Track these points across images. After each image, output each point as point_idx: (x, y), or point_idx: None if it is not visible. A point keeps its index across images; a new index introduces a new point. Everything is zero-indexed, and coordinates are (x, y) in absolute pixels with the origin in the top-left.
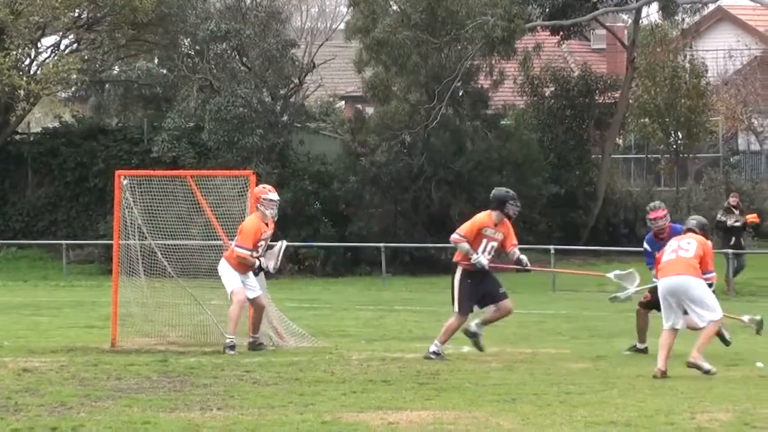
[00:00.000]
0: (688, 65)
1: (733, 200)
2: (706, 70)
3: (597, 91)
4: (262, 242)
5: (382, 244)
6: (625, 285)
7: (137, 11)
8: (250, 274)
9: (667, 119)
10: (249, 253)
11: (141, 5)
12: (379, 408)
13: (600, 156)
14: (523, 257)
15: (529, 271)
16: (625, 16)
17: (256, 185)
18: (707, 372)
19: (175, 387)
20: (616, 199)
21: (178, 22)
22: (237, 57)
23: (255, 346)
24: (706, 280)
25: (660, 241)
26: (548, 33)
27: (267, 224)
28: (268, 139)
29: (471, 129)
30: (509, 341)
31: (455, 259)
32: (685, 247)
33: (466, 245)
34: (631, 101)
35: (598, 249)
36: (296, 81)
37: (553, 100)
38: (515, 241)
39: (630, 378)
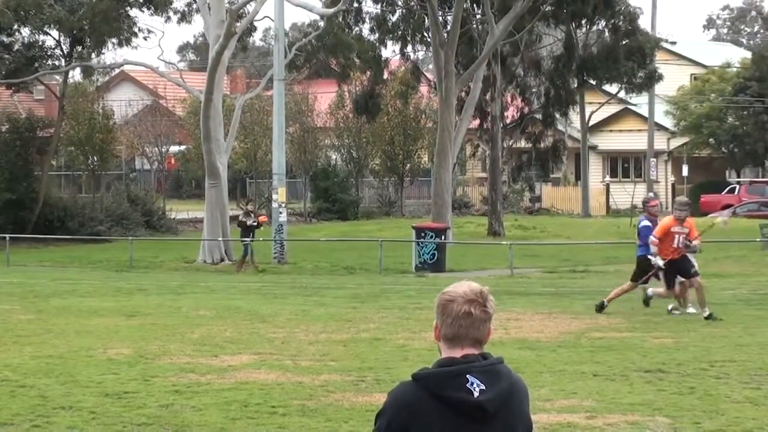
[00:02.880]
0: (101, 110)
1: (250, 207)
2: (113, 114)
3: (38, 129)
4: None
5: None
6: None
7: None
8: None
9: (87, 147)
10: None
11: None
12: None
13: (41, 173)
14: (694, 243)
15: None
16: (57, 77)
17: None
18: None
19: None
20: (52, 202)
21: None
22: None
23: None
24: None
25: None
26: (4, 88)
27: None
28: None
29: None
30: None
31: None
32: None
33: (654, 248)
34: (61, 135)
35: (39, 237)
36: None
37: (7, 135)
38: (696, 234)
39: (63, 324)
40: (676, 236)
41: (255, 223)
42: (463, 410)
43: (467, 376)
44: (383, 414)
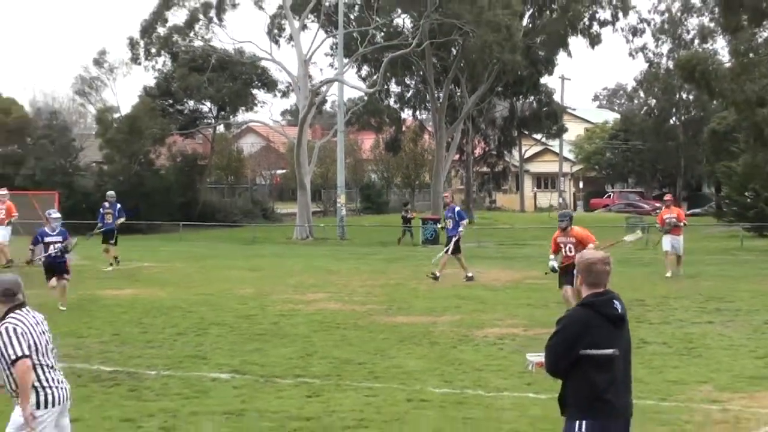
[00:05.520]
0: (235, 149)
1: (408, 207)
2: (243, 151)
3: (198, 160)
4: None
5: None
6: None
7: None
8: None
9: (227, 171)
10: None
11: None
12: None
13: (200, 186)
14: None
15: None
16: (210, 130)
17: None
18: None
19: None
20: (207, 203)
21: None
22: None
23: None
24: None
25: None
26: (179, 136)
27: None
28: None
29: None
30: None
31: None
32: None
33: (552, 255)
34: (212, 164)
35: (200, 224)
36: None
37: (181, 164)
38: (588, 242)
39: (213, 275)
40: (563, 245)
41: (410, 216)
42: (613, 320)
43: (613, 300)
44: (561, 331)
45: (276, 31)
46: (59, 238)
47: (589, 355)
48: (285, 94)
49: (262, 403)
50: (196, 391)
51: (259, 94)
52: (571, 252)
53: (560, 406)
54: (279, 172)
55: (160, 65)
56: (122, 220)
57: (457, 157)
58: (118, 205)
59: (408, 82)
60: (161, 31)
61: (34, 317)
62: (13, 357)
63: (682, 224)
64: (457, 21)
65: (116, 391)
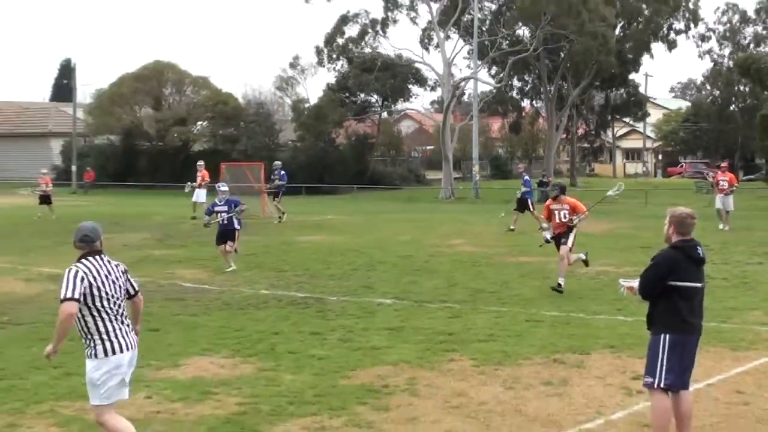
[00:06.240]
0: (396, 131)
1: (546, 178)
2: (401, 132)
3: (368, 139)
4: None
5: None
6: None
7: None
8: None
9: (390, 146)
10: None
11: None
12: None
13: (370, 158)
14: (574, 218)
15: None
16: (376, 116)
17: None
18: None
19: None
20: (377, 171)
21: None
22: None
23: None
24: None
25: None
26: (354, 120)
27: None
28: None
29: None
30: None
31: None
32: None
33: (544, 224)
34: (378, 141)
35: (369, 187)
36: None
37: (354, 142)
38: (580, 211)
39: (380, 225)
40: (556, 212)
41: (547, 181)
42: (696, 261)
43: (696, 246)
44: (655, 266)
45: (426, 40)
46: (225, 208)
47: (677, 286)
48: (433, 88)
49: (416, 321)
50: (366, 312)
51: (414, 88)
52: (565, 218)
53: (647, 323)
54: (428, 147)
55: (339, 67)
56: (281, 183)
57: (564, 135)
58: (282, 172)
59: (526, 78)
60: (340, 41)
61: (106, 266)
62: (61, 297)
63: (733, 188)
64: (564, 31)
65: (307, 312)
